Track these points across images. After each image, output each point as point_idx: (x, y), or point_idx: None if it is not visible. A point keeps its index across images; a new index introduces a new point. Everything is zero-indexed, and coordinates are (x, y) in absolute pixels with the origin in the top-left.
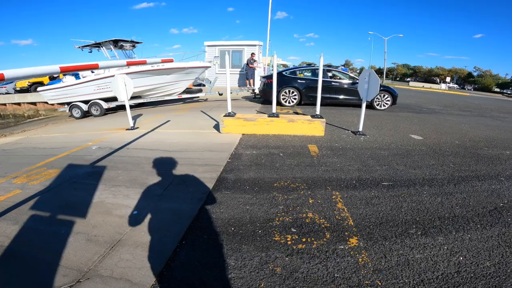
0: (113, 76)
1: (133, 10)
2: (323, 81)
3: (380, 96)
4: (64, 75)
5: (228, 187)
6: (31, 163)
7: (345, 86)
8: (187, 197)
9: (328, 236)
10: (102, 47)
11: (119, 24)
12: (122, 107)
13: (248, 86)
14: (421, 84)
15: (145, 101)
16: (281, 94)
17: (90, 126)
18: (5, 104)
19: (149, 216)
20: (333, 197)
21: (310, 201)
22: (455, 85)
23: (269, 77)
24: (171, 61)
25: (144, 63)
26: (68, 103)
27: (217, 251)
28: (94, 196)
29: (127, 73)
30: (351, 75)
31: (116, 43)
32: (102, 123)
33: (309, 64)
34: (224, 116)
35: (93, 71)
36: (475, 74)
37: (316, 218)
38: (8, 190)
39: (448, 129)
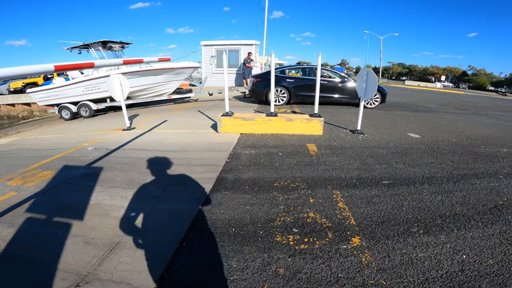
0: (101, 77)
1: (128, 10)
2: (312, 80)
3: None
4: (58, 75)
5: (228, 187)
6: (26, 165)
7: (335, 85)
8: (186, 198)
9: (330, 236)
10: (90, 48)
11: (115, 24)
12: (111, 108)
13: (245, 85)
14: (416, 83)
15: (135, 102)
16: (270, 93)
17: (86, 126)
18: None
19: (147, 218)
20: (334, 196)
21: (311, 201)
22: (450, 84)
23: (258, 76)
24: (168, 60)
25: (141, 61)
26: (57, 105)
27: (218, 252)
28: (91, 197)
29: (115, 74)
30: (341, 74)
31: (104, 44)
32: (98, 123)
33: (298, 63)
34: (222, 115)
35: (82, 72)
36: (469, 72)
37: (318, 217)
38: (3, 192)
39: (445, 127)
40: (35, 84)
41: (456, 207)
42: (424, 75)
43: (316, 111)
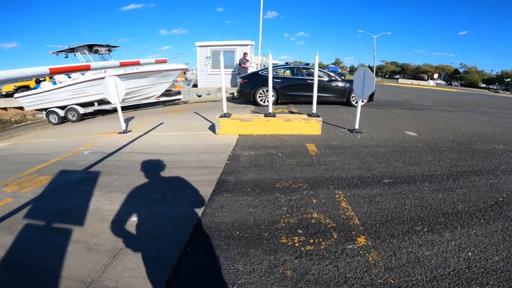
0: (88, 81)
1: (121, 12)
2: (299, 79)
3: None
4: (51, 78)
5: (229, 189)
6: (21, 170)
7: (323, 84)
8: (187, 201)
9: (335, 236)
10: (76, 52)
11: (107, 26)
12: (100, 112)
13: None
14: (409, 81)
15: (122, 105)
16: (258, 94)
17: (80, 130)
18: None
19: (149, 223)
20: (336, 196)
21: (314, 201)
22: (443, 82)
23: (245, 77)
24: (165, 61)
25: (138, 63)
26: (45, 109)
27: (223, 256)
28: (90, 203)
29: (99, 78)
30: (329, 73)
31: (90, 47)
32: (93, 127)
33: (286, 63)
34: (220, 117)
35: (69, 76)
36: (461, 70)
37: (322, 218)
38: None
39: (440, 125)
40: (27, 88)
41: (458, 205)
42: (417, 73)
43: (314, 110)
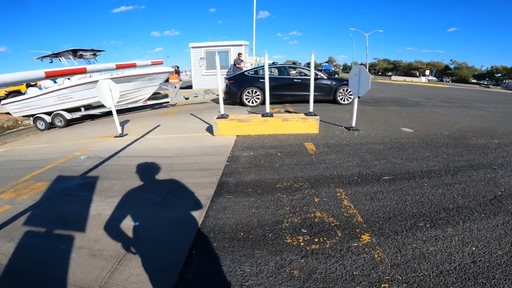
0: (73, 86)
1: (111, 14)
2: (284, 79)
3: (343, 90)
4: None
5: (230, 191)
6: (17, 177)
7: (309, 82)
8: (188, 204)
9: (339, 234)
10: (61, 57)
11: (98, 28)
12: (89, 117)
13: None
14: (402, 78)
15: (109, 109)
16: (244, 94)
17: (75, 135)
18: None
19: (152, 227)
20: (338, 194)
21: (316, 200)
22: (434, 78)
23: (232, 78)
24: (161, 62)
25: (134, 65)
26: (32, 115)
27: (229, 258)
28: (90, 208)
29: (84, 83)
30: (316, 71)
31: (75, 52)
32: (88, 131)
33: (273, 63)
34: (217, 118)
35: (55, 81)
36: (451, 66)
37: (325, 217)
38: None
39: (435, 121)
40: (18, 92)
41: (458, 200)
42: (409, 70)
43: (311, 109)
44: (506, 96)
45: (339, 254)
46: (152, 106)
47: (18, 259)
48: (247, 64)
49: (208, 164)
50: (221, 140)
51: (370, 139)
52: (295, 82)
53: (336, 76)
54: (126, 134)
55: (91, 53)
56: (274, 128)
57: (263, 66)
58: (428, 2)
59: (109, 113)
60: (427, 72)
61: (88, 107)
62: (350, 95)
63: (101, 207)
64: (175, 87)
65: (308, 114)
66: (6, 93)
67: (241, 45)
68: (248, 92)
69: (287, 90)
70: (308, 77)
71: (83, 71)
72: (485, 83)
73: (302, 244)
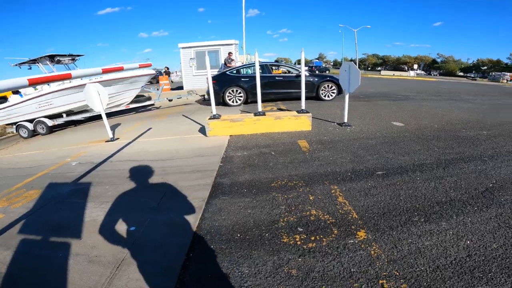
0: (53, 92)
1: (96, 16)
2: (266, 77)
3: (326, 86)
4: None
5: (225, 192)
6: (9, 185)
7: (292, 79)
8: (184, 207)
9: (336, 232)
10: (38, 63)
11: (84, 31)
12: (72, 123)
13: None
14: (391, 73)
15: (91, 114)
16: (226, 94)
17: (66, 140)
18: None
19: (148, 231)
20: (332, 191)
21: (311, 198)
22: (422, 72)
23: (214, 78)
24: (150, 65)
25: (121, 69)
26: (14, 123)
27: (227, 260)
28: (85, 215)
29: (63, 89)
30: (297, 68)
31: (52, 58)
32: (79, 136)
33: (252, 62)
34: (210, 118)
35: (36, 87)
36: (438, 60)
37: (320, 214)
38: None
39: (425, 114)
40: (4, 99)
41: (450, 193)
42: (397, 65)
43: (303, 107)
44: (492, 88)
45: (336, 251)
46: (136, 110)
47: (16, 267)
48: (238, 63)
49: (202, 165)
50: (214, 140)
51: (362, 135)
52: (277, 80)
53: (327, 72)
54: (118, 138)
55: (69, 58)
56: (267, 127)
57: (244, 65)
58: None
59: (93, 118)
60: (415, 66)
61: (69, 113)
62: (333, 91)
63: (96, 213)
64: (158, 89)
65: (300, 111)
66: None
67: (231, 44)
68: (231, 92)
69: (270, 88)
70: (290, 75)
71: (68, 77)
72: (472, 75)
73: (299, 243)
